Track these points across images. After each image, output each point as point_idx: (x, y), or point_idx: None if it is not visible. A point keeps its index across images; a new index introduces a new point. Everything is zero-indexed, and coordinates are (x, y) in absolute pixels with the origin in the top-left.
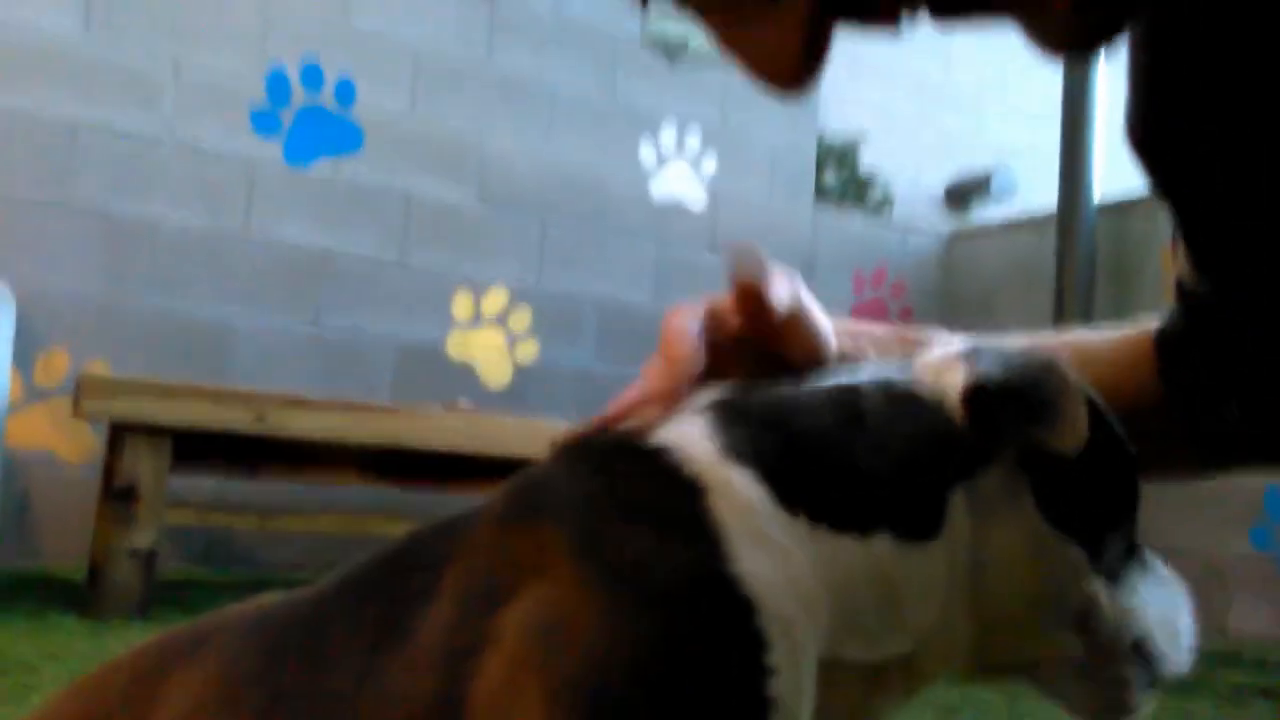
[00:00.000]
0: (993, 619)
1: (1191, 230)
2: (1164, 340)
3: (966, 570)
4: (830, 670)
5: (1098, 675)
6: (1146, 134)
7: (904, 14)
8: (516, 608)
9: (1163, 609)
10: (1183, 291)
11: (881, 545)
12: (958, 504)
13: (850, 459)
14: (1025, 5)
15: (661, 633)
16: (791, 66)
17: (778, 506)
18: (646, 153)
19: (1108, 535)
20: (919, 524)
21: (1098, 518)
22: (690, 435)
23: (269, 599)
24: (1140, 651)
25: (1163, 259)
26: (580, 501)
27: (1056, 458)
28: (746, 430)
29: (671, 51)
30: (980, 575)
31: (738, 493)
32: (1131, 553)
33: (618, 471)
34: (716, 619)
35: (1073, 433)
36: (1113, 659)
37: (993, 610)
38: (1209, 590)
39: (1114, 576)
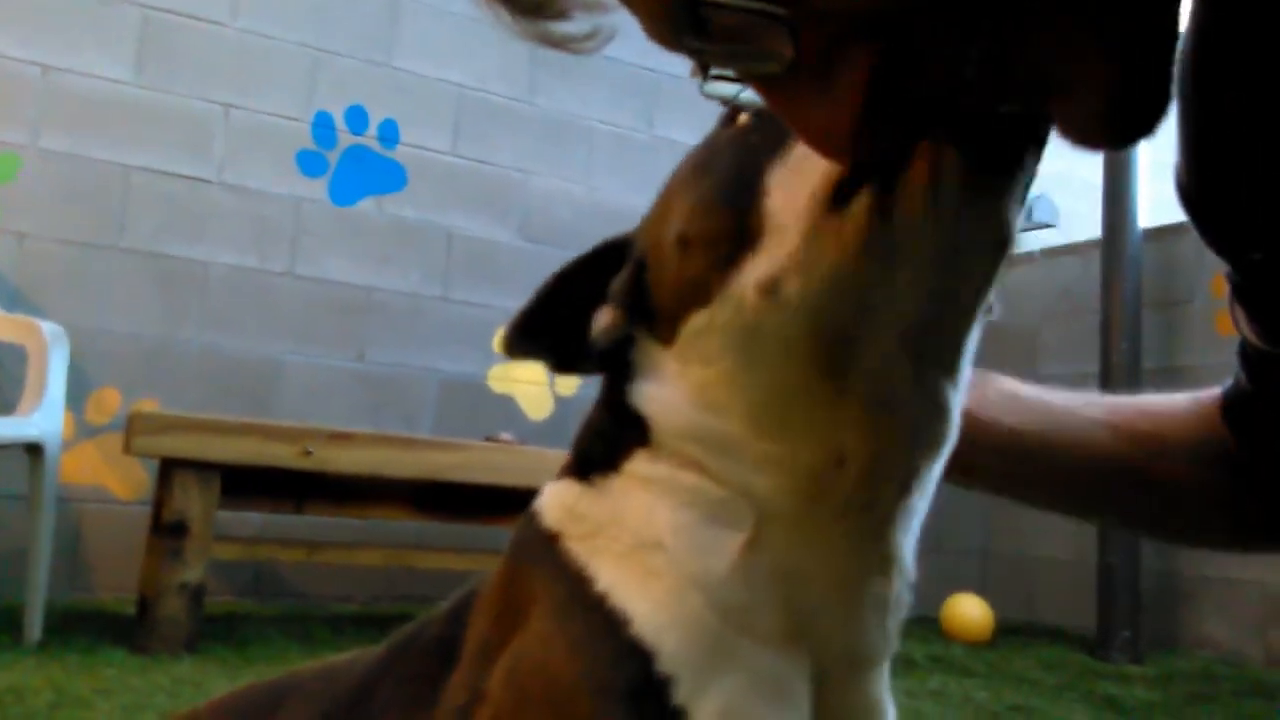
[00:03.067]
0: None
1: (1249, 288)
2: (1231, 405)
3: (723, 429)
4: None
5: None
6: (1199, 197)
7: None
8: (502, 662)
9: None
10: (1244, 354)
11: (636, 464)
12: (645, 398)
13: (592, 431)
14: (1057, 97)
15: (581, 671)
16: (843, 146)
17: (582, 487)
18: None
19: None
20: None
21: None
22: (556, 483)
23: (337, 659)
24: None
25: (1212, 286)
26: (539, 561)
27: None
28: (574, 446)
29: (728, 103)
30: (733, 419)
31: (572, 510)
32: None
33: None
34: (606, 650)
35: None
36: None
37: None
38: (1265, 621)
39: None
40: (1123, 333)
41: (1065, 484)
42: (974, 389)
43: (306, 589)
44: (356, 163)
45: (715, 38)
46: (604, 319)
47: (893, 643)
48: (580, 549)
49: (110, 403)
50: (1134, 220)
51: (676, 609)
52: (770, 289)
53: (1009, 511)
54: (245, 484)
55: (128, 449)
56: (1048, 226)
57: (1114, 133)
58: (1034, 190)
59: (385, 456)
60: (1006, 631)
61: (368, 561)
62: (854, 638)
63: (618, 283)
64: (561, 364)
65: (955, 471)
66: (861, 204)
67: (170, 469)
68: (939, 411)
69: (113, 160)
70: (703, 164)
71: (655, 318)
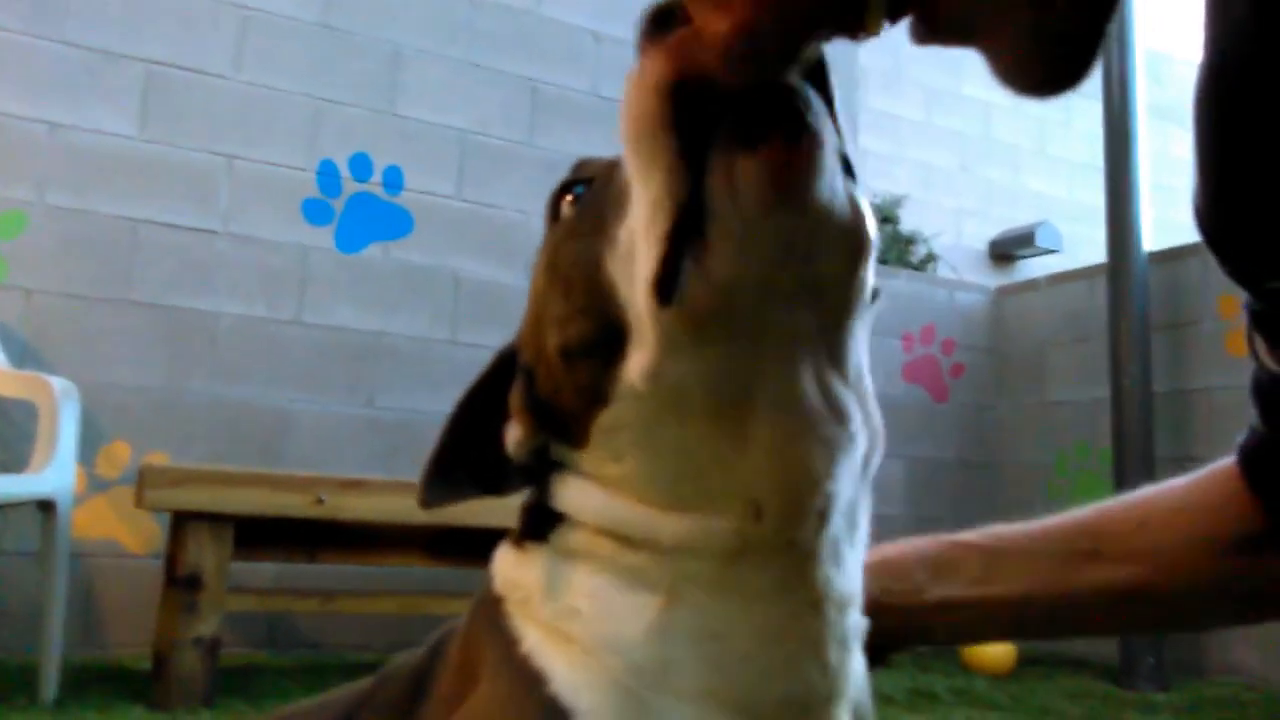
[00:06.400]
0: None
1: (1268, 316)
2: (1249, 454)
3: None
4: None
5: None
6: (1217, 225)
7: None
8: (460, 714)
9: None
10: (1260, 389)
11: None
12: (564, 498)
13: (527, 505)
14: (989, 30)
15: None
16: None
17: (518, 555)
18: None
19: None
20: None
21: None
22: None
23: (335, 692)
24: None
25: (1220, 307)
26: (487, 622)
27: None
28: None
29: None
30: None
31: (510, 576)
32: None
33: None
34: (530, 707)
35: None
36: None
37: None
38: None
39: None
40: (1132, 357)
41: (1067, 623)
42: (957, 570)
43: (321, 639)
44: (362, 210)
45: None
46: (513, 435)
47: (846, 679)
48: (516, 613)
49: (121, 456)
50: (1139, 244)
51: (592, 670)
52: (655, 374)
53: None
54: (258, 535)
55: (139, 503)
56: (1052, 252)
57: (1033, 82)
58: (1037, 217)
59: (398, 503)
60: (1028, 662)
61: (382, 609)
62: (790, 684)
63: (514, 399)
64: (489, 489)
65: (960, 642)
66: (687, 290)
67: (183, 522)
68: (839, 417)
69: (119, 214)
70: (552, 268)
71: (563, 424)
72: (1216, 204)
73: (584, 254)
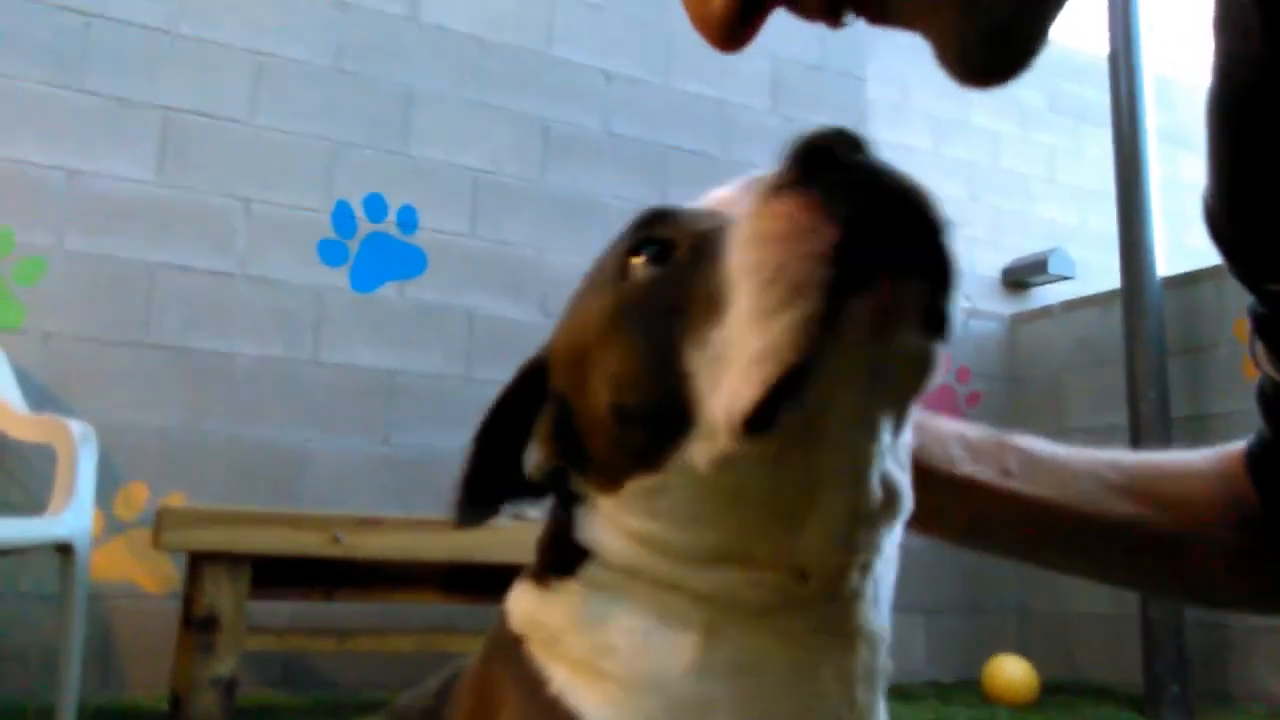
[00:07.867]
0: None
1: (1272, 320)
2: (1255, 457)
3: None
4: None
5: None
6: (1227, 226)
7: (836, 13)
8: None
9: None
10: (1264, 396)
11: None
12: (588, 534)
13: (549, 538)
14: (922, 19)
15: None
16: (719, 29)
17: (540, 592)
18: None
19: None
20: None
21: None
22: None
23: None
24: None
25: (1235, 330)
26: (506, 662)
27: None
28: (537, 548)
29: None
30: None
31: (532, 616)
32: None
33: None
34: None
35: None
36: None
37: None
38: None
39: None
40: (1149, 382)
41: (1083, 550)
42: (994, 459)
43: (338, 678)
44: (377, 249)
45: None
46: (534, 457)
47: (872, 713)
48: (540, 653)
49: (138, 498)
50: (1152, 269)
51: (626, 709)
52: (722, 465)
53: None
54: (275, 574)
55: (156, 544)
56: (1065, 279)
57: (964, 71)
58: (1049, 244)
59: (414, 540)
60: (1051, 691)
61: (399, 648)
62: (818, 718)
63: (542, 426)
64: (513, 505)
65: (973, 539)
66: (781, 430)
67: (200, 562)
68: (893, 496)
69: (137, 258)
70: (616, 324)
71: (592, 464)
72: (1228, 205)
73: (661, 330)
